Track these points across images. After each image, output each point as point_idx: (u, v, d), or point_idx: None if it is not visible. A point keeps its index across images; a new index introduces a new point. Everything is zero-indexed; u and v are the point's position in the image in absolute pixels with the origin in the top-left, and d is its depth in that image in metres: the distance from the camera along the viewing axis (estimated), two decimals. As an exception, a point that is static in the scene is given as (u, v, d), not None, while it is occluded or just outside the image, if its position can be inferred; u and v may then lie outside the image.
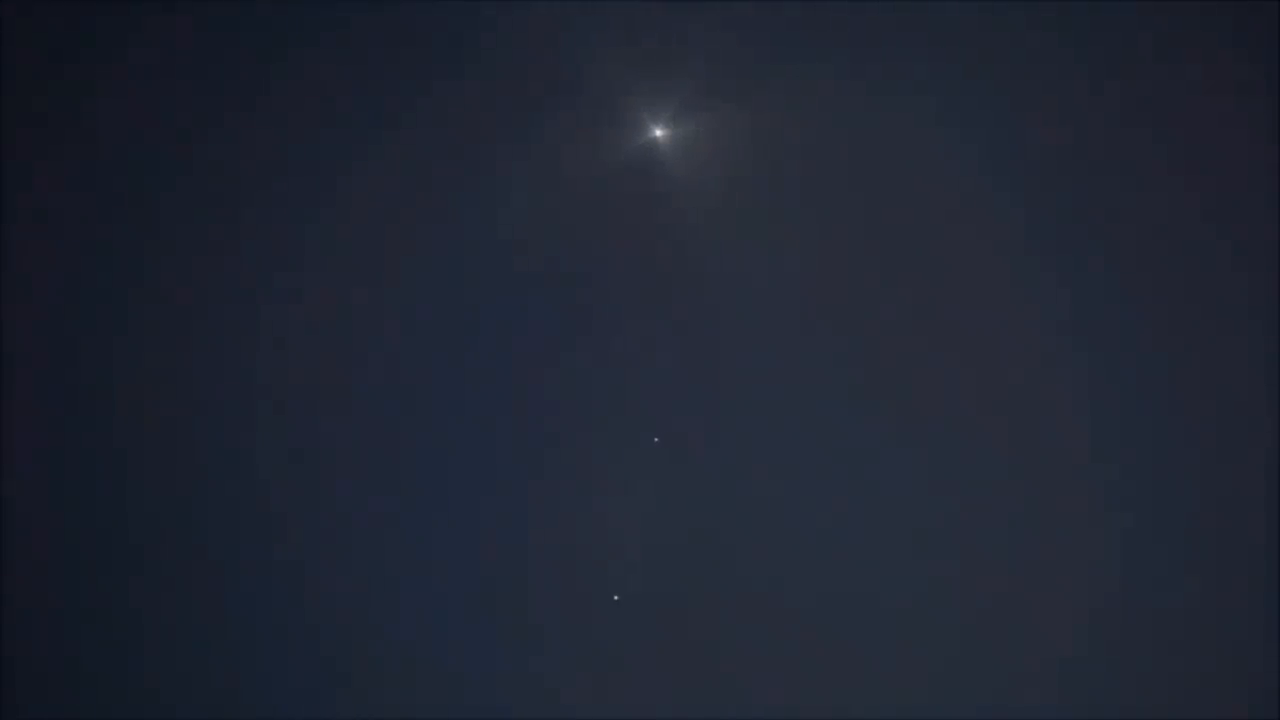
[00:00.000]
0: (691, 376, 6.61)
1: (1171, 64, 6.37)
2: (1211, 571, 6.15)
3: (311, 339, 6.58)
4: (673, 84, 6.53)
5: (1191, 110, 6.38)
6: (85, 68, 6.56)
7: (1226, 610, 6.12)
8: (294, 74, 6.56)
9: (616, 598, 6.41)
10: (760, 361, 6.58)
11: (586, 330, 6.65)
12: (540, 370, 6.63)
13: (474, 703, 6.38)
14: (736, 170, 6.58)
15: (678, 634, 6.41)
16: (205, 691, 6.41)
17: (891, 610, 6.36)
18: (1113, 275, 6.45)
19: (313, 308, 6.59)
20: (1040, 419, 6.42)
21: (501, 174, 6.59)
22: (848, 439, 6.55)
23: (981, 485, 6.40)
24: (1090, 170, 6.45)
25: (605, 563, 6.47)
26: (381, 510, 6.57)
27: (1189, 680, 6.07)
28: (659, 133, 6.53)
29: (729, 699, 6.32)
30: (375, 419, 6.60)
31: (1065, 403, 6.41)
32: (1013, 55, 6.45)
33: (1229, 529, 6.20)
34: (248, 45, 6.57)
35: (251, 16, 6.56)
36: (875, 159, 6.54)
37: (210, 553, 6.50)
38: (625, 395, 6.60)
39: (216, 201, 6.59)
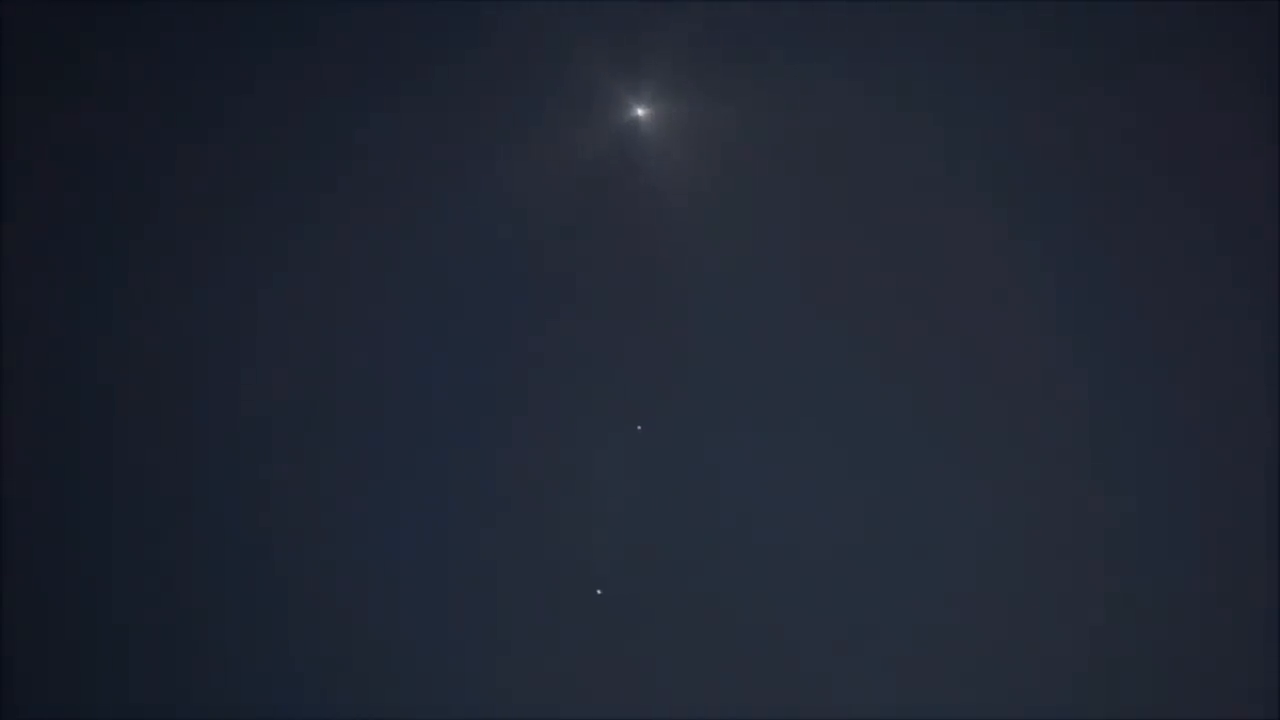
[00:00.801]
0: (675, 366, 6.61)
1: (1172, 64, 6.37)
2: (1211, 571, 6.15)
3: (300, 325, 6.59)
4: (657, 72, 6.54)
5: (1192, 110, 6.38)
6: (83, 67, 6.57)
7: (1226, 610, 6.12)
8: (282, 56, 6.56)
9: (600, 591, 6.42)
10: (746, 351, 6.59)
11: (571, 320, 6.66)
12: (524, 358, 6.64)
13: (456, 698, 6.39)
14: (723, 156, 6.59)
15: (662, 628, 6.42)
16: (203, 691, 6.42)
17: (881, 607, 6.37)
18: (1111, 274, 6.45)
19: (302, 292, 6.60)
20: (1035, 418, 6.42)
21: (486, 159, 6.59)
22: (836, 426, 6.55)
23: (971, 480, 6.41)
24: (1086, 167, 6.46)
25: (588, 556, 6.47)
26: (364, 501, 6.59)
27: (1189, 680, 6.07)
28: (641, 112, 6.54)
29: (715, 695, 6.33)
30: (360, 406, 6.61)
31: (1059, 402, 6.41)
32: (1006, 51, 6.46)
33: (1229, 529, 6.20)
34: (237, 29, 6.58)
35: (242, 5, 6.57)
36: (864, 146, 6.54)
37: (201, 540, 6.52)
38: (609, 385, 6.61)
39: (205, 183, 6.60)
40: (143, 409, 6.56)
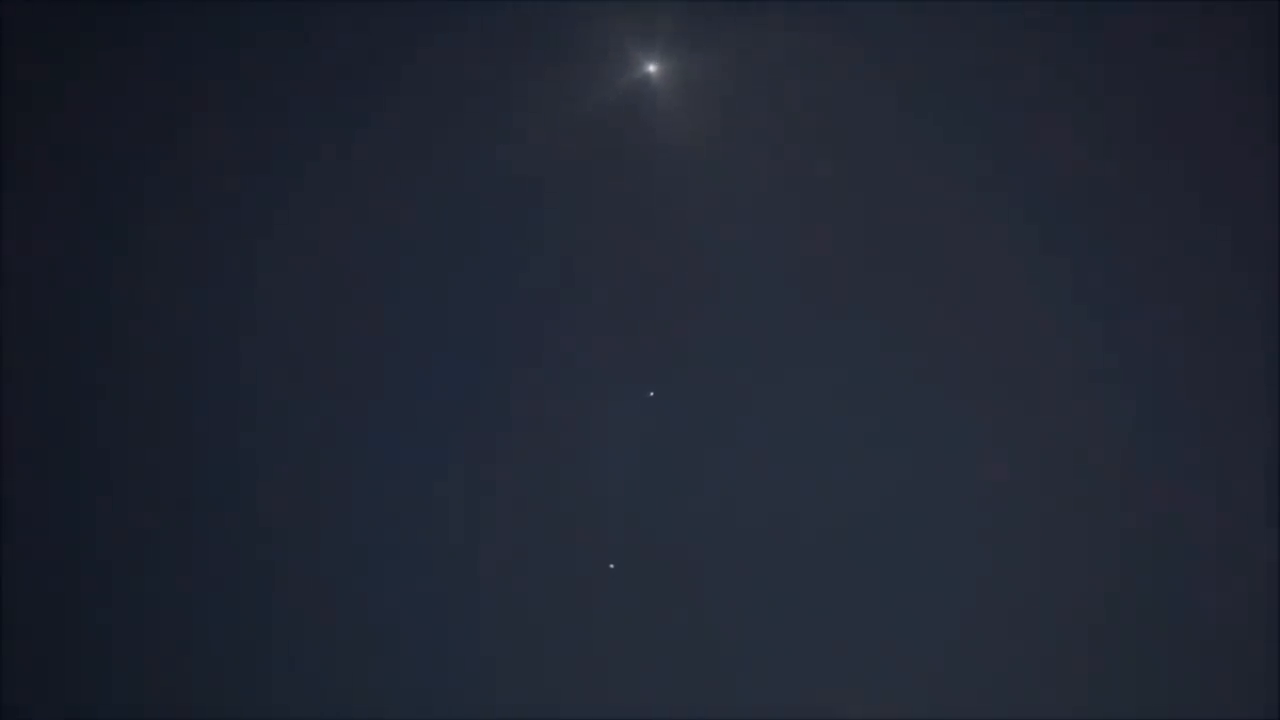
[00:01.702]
0: (687, 327, 6.60)
1: (1172, 64, 6.37)
2: (1211, 571, 6.16)
3: (303, 297, 6.60)
4: (669, 29, 6.52)
5: (1192, 110, 6.38)
6: (78, 66, 6.58)
7: (1226, 610, 6.12)
8: (283, 16, 6.56)
9: (612, 566, 6.43)
10: (759, 312, 6.58)
11: (581, 280, 6.65)
12: (532, 324, 6.65)
13: (461, 690, 6.39)
14: (735, 113, 6.57)
15: (671, 605, 6.43)
16: (203, 691, 6.42)
17: (884, 600, 6.37)
18: (1111, 272, 6.46)
19: (305, 260, 6.60)
20: (1036, 413, 6.43)
21: (497, 118, 6.58)
22: (846, 398, 6.55)
23: (973, 461, 6.42)
24: (1088, 158, 6.46)
25: (600, 531, 6.48)
26: (367, 481, 6.59)
27: (1189, 680, 6.07)
28: (652, 69, 6.52)
29: (718, 683, 6.34)
30: (362, 377, 6.62)
31: (1060, 397, 6.42)
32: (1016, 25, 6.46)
33: (1230, 529, 6.20)
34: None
35: None
36: (876, 102, 6.53)
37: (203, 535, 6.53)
38: (619, 351, 6.61)
39: (206, 152, 6.60)
40: (136, 396, 6.57)
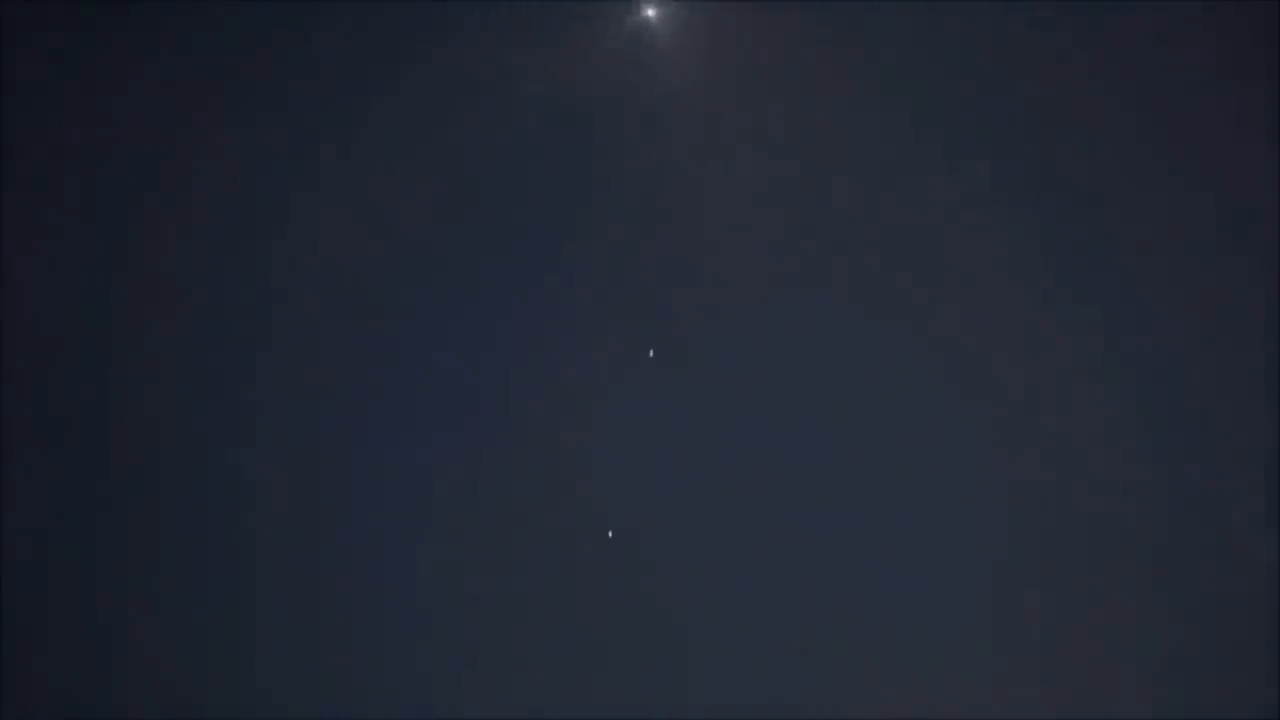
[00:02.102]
0: (687, 280, 6.59)
1: (1172, 64, 6.37)
2: (1211, 571, 6.15)
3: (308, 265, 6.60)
4: (660, 20, 6.54)
5: (1192, 110, 6.38)
6: (76, 66, 6.59)
7: (1226, 610, 6.12)
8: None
9: (611, 534, 6.44)
10: (758, 259, 6.56)
11: (581, 229, 6.65)
12: (533, 272, 6.64)
13: (465, 679, 6.40)
14: (733, 58, 6.56)
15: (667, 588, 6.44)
16: (202, 691, 6.42)
17: (884, 599, 6.37)
18: (1111, 271, 6.46)
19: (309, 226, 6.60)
20: (1032, 407, 6.44)
21: (493, 65, 6.57)
22: (841, 390, 6.56)
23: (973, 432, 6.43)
24: (1090, 151, 6.47)
25: (599, 531, 6.49)
26: (367, 481, 6.59)
27: (1189, 680, 6.07)
28: (651, 13, 6.51)
29: (722, 674, 6.34)
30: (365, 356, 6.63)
31: (1057, 395, 6.42)
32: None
33: (1229, 528, 6.19)
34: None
35: None
36: (880, 47, 6.52)
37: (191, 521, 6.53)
38: (618, 303, 6.60)
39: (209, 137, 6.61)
40: (136, 396, 6.57)
